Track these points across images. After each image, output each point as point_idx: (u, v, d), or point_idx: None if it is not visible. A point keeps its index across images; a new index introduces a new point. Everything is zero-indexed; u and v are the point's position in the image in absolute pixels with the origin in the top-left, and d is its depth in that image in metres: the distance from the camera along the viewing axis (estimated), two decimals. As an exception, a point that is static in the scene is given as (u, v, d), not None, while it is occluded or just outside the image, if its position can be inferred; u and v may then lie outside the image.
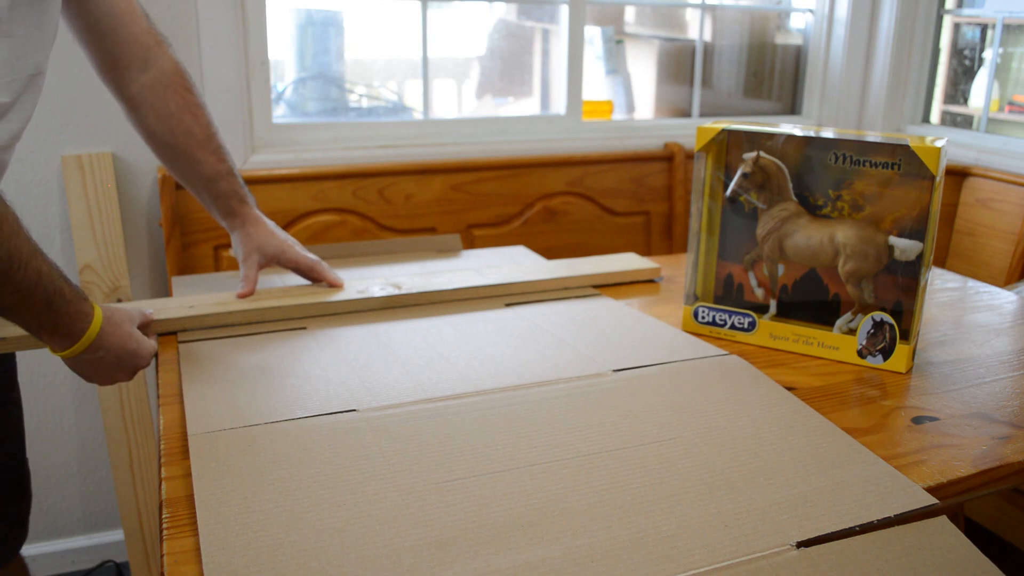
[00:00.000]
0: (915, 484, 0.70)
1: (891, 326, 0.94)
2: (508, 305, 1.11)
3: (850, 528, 0.64)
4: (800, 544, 0.62)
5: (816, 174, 0.95)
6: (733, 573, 0.59)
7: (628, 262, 1.26)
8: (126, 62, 1.00)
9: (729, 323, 1.03)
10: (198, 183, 1.07)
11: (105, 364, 0.89)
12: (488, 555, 0.59)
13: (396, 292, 1.09)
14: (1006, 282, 1.89)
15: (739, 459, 0.73)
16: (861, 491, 0.69)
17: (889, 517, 0.66)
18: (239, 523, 0.62)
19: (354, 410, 0.80)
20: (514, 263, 1.31)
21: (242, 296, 1.06)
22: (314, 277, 1.12)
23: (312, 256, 1.12)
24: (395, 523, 0.62)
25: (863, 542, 0.63)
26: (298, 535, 0.60)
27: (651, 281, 1.25)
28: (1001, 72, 2.19)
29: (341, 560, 0.58)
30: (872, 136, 0.93)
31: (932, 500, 0.68)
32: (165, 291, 1.73)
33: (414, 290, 1.10)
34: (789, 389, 0.89)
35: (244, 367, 0.90)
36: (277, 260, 1.10)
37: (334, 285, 1.11)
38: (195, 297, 1.05)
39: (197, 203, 1.68)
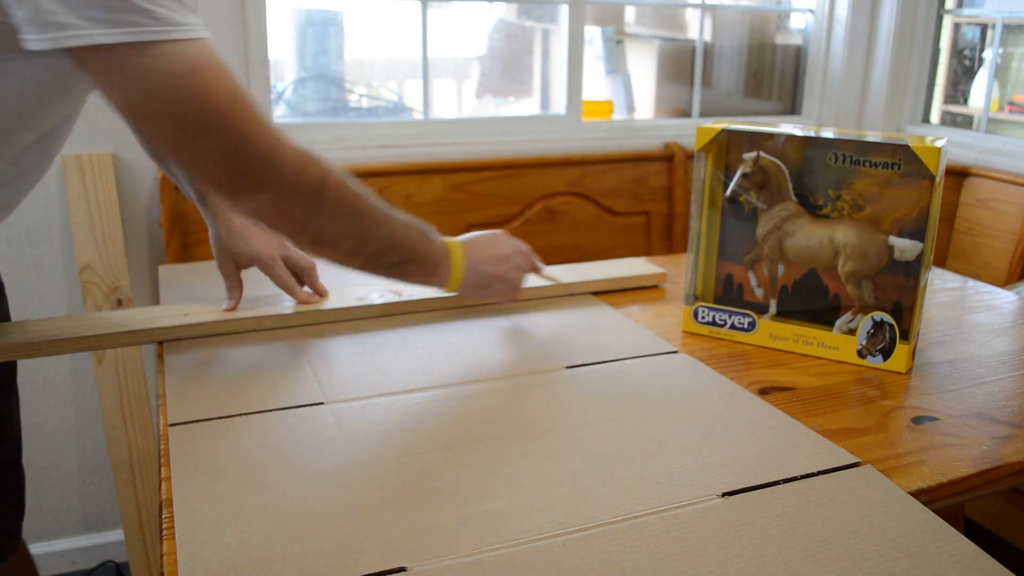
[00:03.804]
0: (841, 448, 0.74)
1: (891, 326, 0.94)
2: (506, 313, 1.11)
3: (774, 481, 0.69)
4: (725, 494, 0.67)
5: (816, 174, 0.95)
6: (660, 518, 0.64)
7: (633, 267, 1.25)
8: None
9: (729, 323, 1.03)
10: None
11: (487, 262, 0.98)
12: (432, 511, 0.65)
13: (396, 299, 1.09)
14: (1006, 282, 1.89)
15: (676, 432, 0.78)
16: (789, 453, 0.74)
17: (812, 473, 0.71)
18: (211, 490, 0.64)
19: (321, 403, 0.84)
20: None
21: (228, 310, 1.02)
22: (301, 283, 1.06)
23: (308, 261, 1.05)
24: (349, 488, 0.68)
25: (786, 489, 0.68)
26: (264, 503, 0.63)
27: (655, 286, 1.24)
28: (1001, 72, 2.19)
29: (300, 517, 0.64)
30: (872, 136, 0.93)
31: (856, 459, 0.73)
32: (165, 291, 1.72)
33: (414, 297, 1.10)
34: (789, 389, 0.89)
35: (228, 368, 0.92)
36: (261, 267, 1.02)
37: (321, 294, 1.07)
38: (189, 306, 1.04)
39: (197, 203, 1.68)
